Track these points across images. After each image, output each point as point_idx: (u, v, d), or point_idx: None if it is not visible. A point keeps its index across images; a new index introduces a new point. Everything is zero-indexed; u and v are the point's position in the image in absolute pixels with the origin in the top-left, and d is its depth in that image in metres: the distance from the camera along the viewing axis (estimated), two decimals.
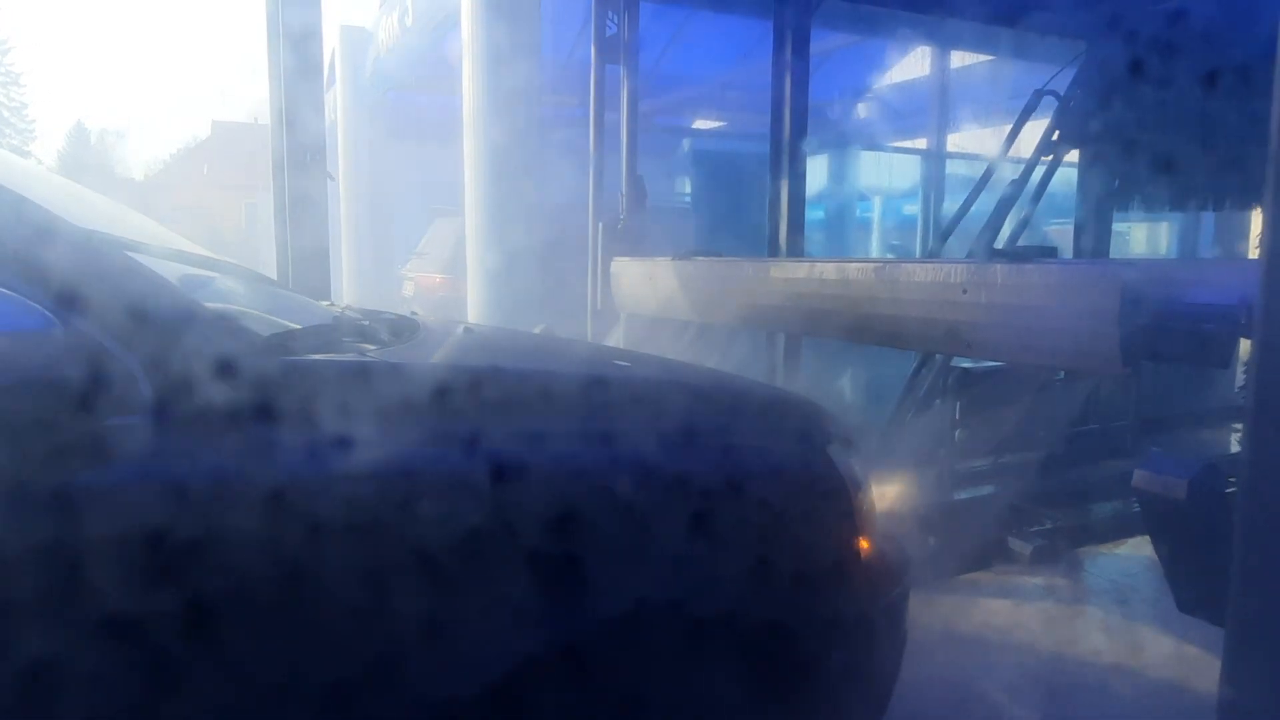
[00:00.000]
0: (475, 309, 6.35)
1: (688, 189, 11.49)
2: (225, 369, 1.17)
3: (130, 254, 1.28)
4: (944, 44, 8.57)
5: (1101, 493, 4.23)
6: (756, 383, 1.78)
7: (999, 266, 2.80)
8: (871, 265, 3.33)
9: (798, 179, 4.65)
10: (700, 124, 12.85)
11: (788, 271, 3.78)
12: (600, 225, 5.04)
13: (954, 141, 9.75)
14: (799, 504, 1.59)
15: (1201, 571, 2.16)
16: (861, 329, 3.38)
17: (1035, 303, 2.62)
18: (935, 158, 9.63)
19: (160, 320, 1.16)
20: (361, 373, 1.35)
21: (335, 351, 1.43)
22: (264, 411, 1.18)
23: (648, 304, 4.68)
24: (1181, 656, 2.65)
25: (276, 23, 3.86)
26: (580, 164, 5.35)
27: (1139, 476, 2.21)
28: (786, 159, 4.63)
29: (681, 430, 1.52)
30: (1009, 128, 5.26)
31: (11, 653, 1.03)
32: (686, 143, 12.62)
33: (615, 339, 4.87)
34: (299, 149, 3.46)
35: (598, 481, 1.37)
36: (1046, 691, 2.53)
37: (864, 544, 1.61)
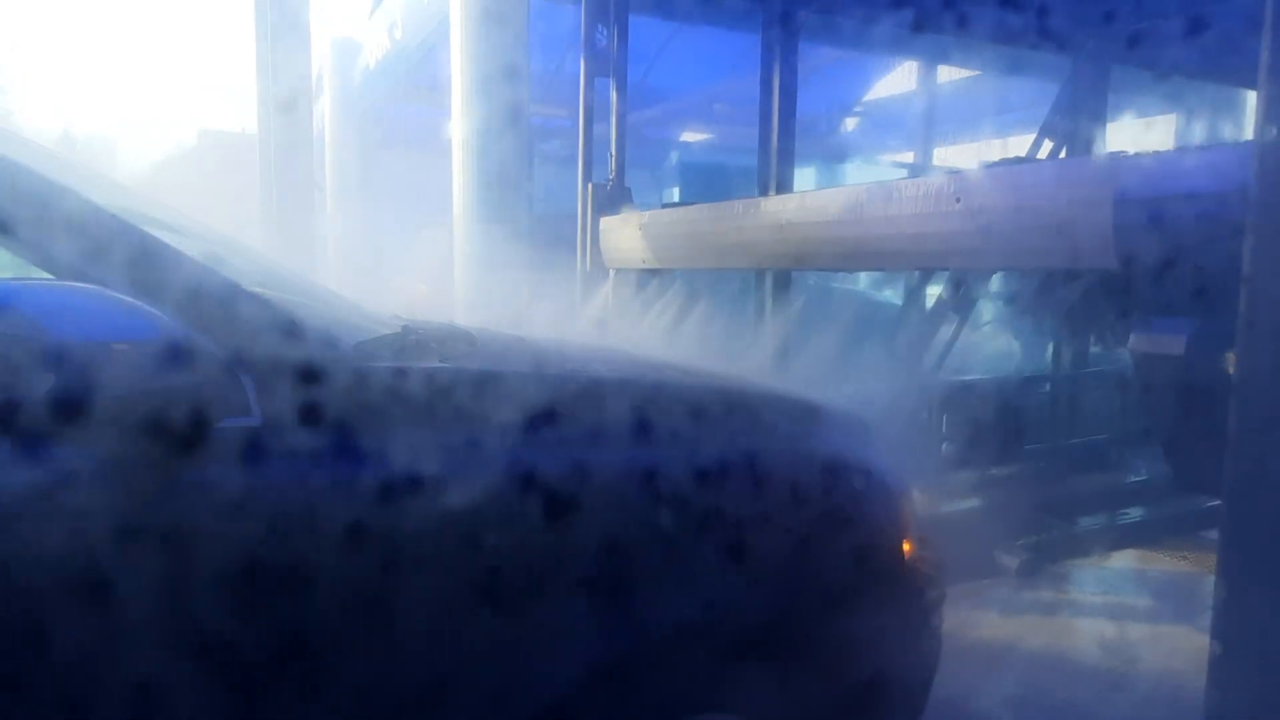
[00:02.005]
0: (462, 320, 6.33)
1: (676, 199, 11.52)
2: (320, 374, 1.24)
3: (226, 266, 1.37)
4: (929, 59, 8.64)
5: (1089, 506, 4.24)
6: (801, 393, 1.84)
7: (991, 170, 2.78)
8: (862, 189, 3.29)
9: (785, 190, 4.68)
10: (688, 136, 12.90)
11: (777, 206, 3.77)
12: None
13: (940, 155, 9.82)
14: (853, 509, 1.67)
15: (1198, 439, 2.12)
16: (855, 255, 3.35)
17: (1029, 202, 2.58)
18: (921, 171, 9.69)
19: (261, 329, 1.22)
20: (449, 378, 1.41)
21: (413, 358, 1.50)
22: (362, 415, 1.25)
23: (637, 257, 4.71)
24: (1170, 668, 2.65)
25: (266, 32, 3.86)
26: (569, 175, 5.37)
27: (1136, 340, 2.19)
28: (774, 171, 4.66)
29: (745, 437, 1.60)
30: (995, 142, 5.31)
31: (150, 640, 1.10)
32: (675, 154, 12.66)
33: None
34: (286, 159, 3.46)
35: (675, 485, 1.44)
36: (1036, 703, 2.53)
37: (907, 547, 1.69)
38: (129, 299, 1.10)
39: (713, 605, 1.45)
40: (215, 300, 1.21)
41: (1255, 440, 1.79)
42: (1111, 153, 2.50)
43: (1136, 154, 2.39)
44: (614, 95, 5.11)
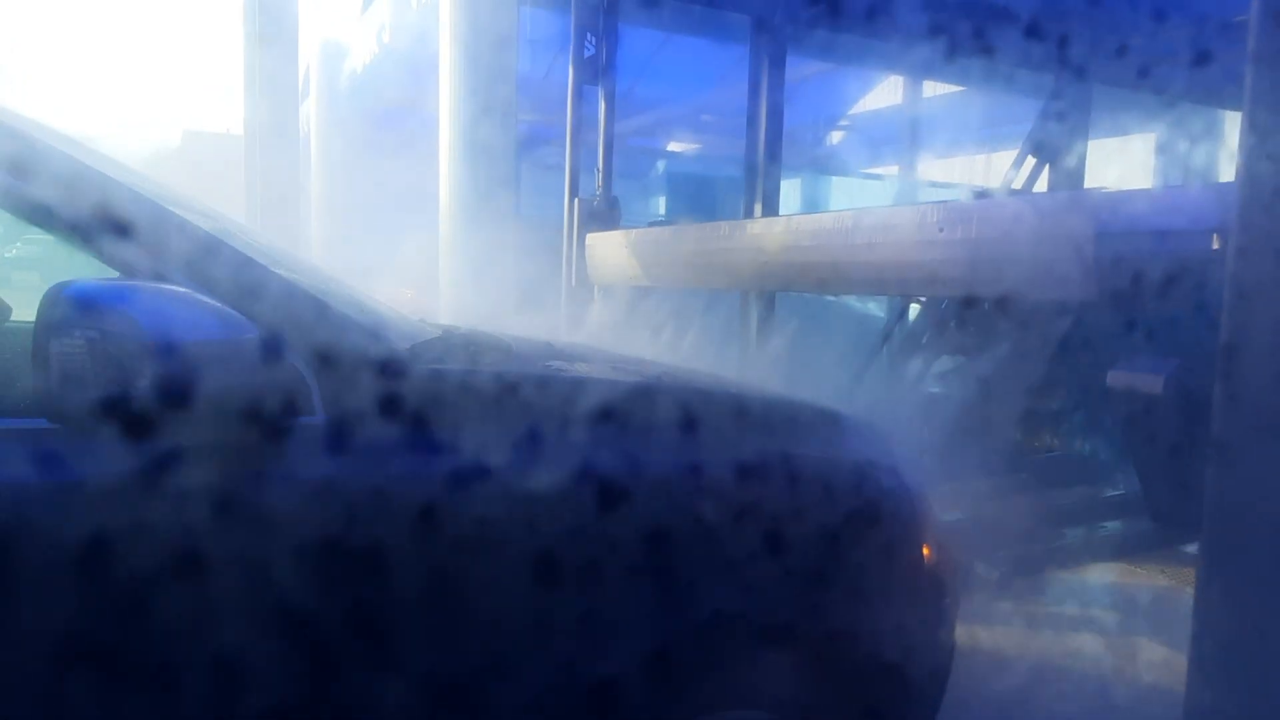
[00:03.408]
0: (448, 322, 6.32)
1: (662, 209, 11.56)
2: (385, 376, 1.29)
3: (289, 270, 1.42)
4: (914, 74, 8.71)
5: (1069, 518, 4.27)
6: (820, 402, 1.92)
7: (975, 202, 2.83)
8: (847, 215, 3.32)
9: (771, 201, 4.70)
10: (675, 146, 12.94)
11: (764, 229, 3.80)
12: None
13: (923, 169, 9.90)
14: (881, 512, 1.73)
15: (1175, 473, 2.16)
16: (839, 279, 3.39)
17: (1011, 234, 2.62)
18: (907, 184, 9.76)
19: (324, 331, 1.28)
20: (501, 381, 1.48)
21: (461, 361, 1.57)
22: (421, 414, 1.30)
23: (623, 275, 4.72)
24: (1153, 677, 2.67)
25: (254, 34, 3.85)
26: (555, 180, 5.38)
27: (1114, 376, 2.22)
28: (760, 181, 4.69)
29: (784, 443, 1.68)
30: (979, 157, 5.37)
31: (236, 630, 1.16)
32: (661, 164, 12.70)
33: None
34: (272, 161, 3.45)
35: (714, 486, 1.51)
36: (1023, 712, 2.54)
37: (926, 551, 1.75)
38: (213, 301, 1.16)
39: (754, 600, 1.52)
40: (284, 302, 1.27)
41: (1237, 452, 1.82)
42: (1094, 189, 2.55)
43: (1119, 190, 2.44)
44: (602, 105, 5.13)
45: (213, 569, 1.13)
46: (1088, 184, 5.40)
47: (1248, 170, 1.78)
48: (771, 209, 4.78)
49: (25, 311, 2.02)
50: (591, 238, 4.96)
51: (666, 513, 1.45)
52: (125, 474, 1.11)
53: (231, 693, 1.18)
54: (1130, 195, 2.43)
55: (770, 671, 1.57)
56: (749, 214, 4.77)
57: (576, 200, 5.08)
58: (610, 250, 4.79)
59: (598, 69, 5.11)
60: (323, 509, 1.20)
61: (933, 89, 9.26)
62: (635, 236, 4.63)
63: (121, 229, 1.22)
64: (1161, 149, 8.02)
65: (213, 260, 1.25)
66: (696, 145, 12.58)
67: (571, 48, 5.17)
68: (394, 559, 1.24)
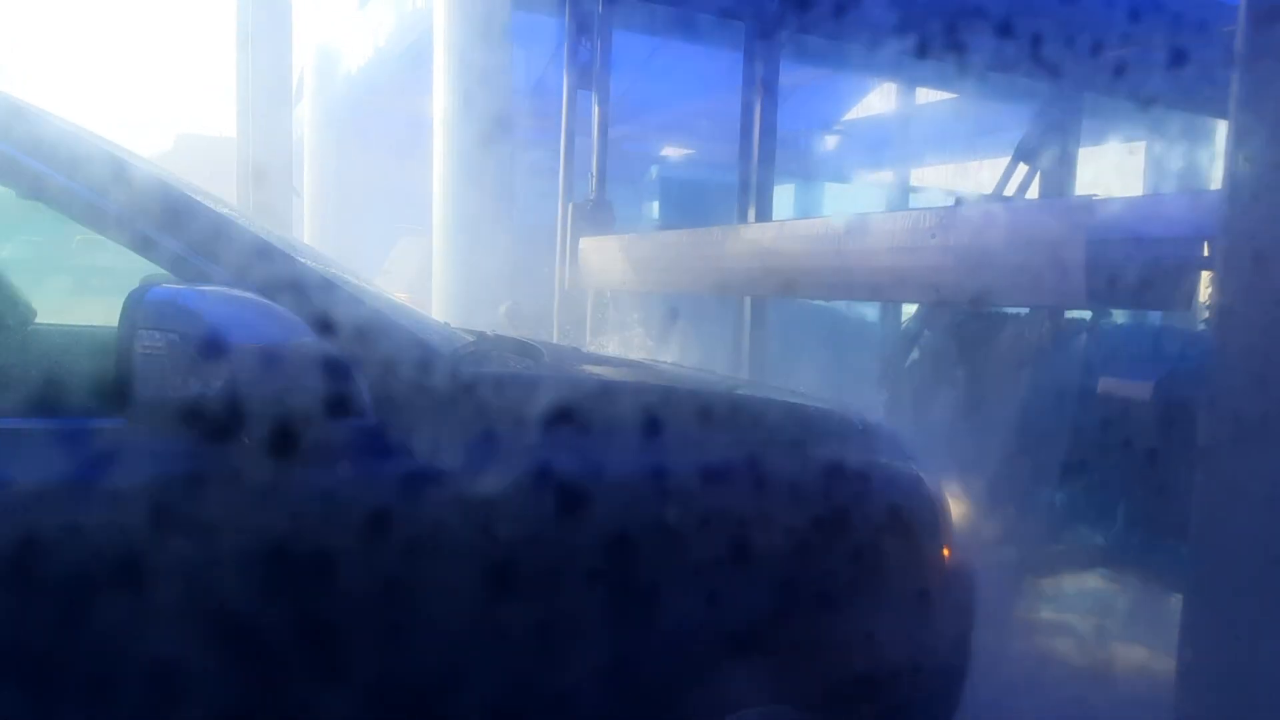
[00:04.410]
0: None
1: (655, 214, 11.57)
2: (436, 379, 1.35)
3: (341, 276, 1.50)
4: (908, 81, 8.74)
5: (1059, 523, 4.27)
6: (842, 406, 2.00)
7: (966, 208, 2.84)
8: (840, 221, 3.35)
9: (764, 207, 4.71)
10: (669, 151, 12.96)
11: (757, 234, 3.81)
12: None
13: (917, 176, 9.93)
14: (904, 517, 1.79)
15: (1163, 483, 2.17)
16: (832, 285, 3.42)
17: (1003, 240, 2.64)
18: (899, 191, 9.78)
19: (374, 335, 1.34)
20: (545, 383, 1.56)
21: (503, 365, 1.63)
22: (474, 416, 1.36)
23: (616, 280, 4.72)
24: (1134, 686, 2.68)
25: (246, 36, 3.84)
26: (549, 186, 5.38)
27: (1105, 384, 2.24)
28: (754, 189, 4.70)
29: (811, 448, 1.75)
30: (971, 164, 5.38)
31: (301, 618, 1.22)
32: (655, 169, 12.71)
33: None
34: (265, 164, 3.44)
35: (748, 487, 1.57)
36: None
37: (946, 552, 1.80)
38: (278, 306, 1.21)
39: (782, 599, 1.58)
40: (339, 308, 1.33)
41: (1223, 455, 1.83)
42: (1085, 195, 2.56)
43: (1109, 197, 2.45)
44: (595, 110, 5.13)
45: (289, 564, 1.20)
46: (1078, 191, 5.42)
47: (1230, 175, 1.80)
48: (765, 214, 4.78)
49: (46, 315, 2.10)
50: (585, 242, 4.95)
51: (714, 510, 1.50)
52: (190, 472, 1.18)
53: (294, 683, 1.24)
54: (1121, 202, 2.44)
55: (800, 667, 1.62)
56: (742, 219, 4.77)
57: (571, 204, 5.07)
58: (604, 255, 4.79)
59: (592, 73, 5.11)
60: (373, 508, 1.25)
61: (925, 96, 9.29)
62: (629, 241, 4.63)
63: (191, 235, 1.28)
64: (1153, 156, 8.06)
65: (273, 265, 1.32)
66: (690, 150, 12.61)
67: (566, 52, 5.17)
68: (446, 558, 1.28)
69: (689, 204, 9.57)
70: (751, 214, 4.70)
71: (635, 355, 4.35)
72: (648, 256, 4.47)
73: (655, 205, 11.82)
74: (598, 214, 5.06)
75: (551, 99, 5.56)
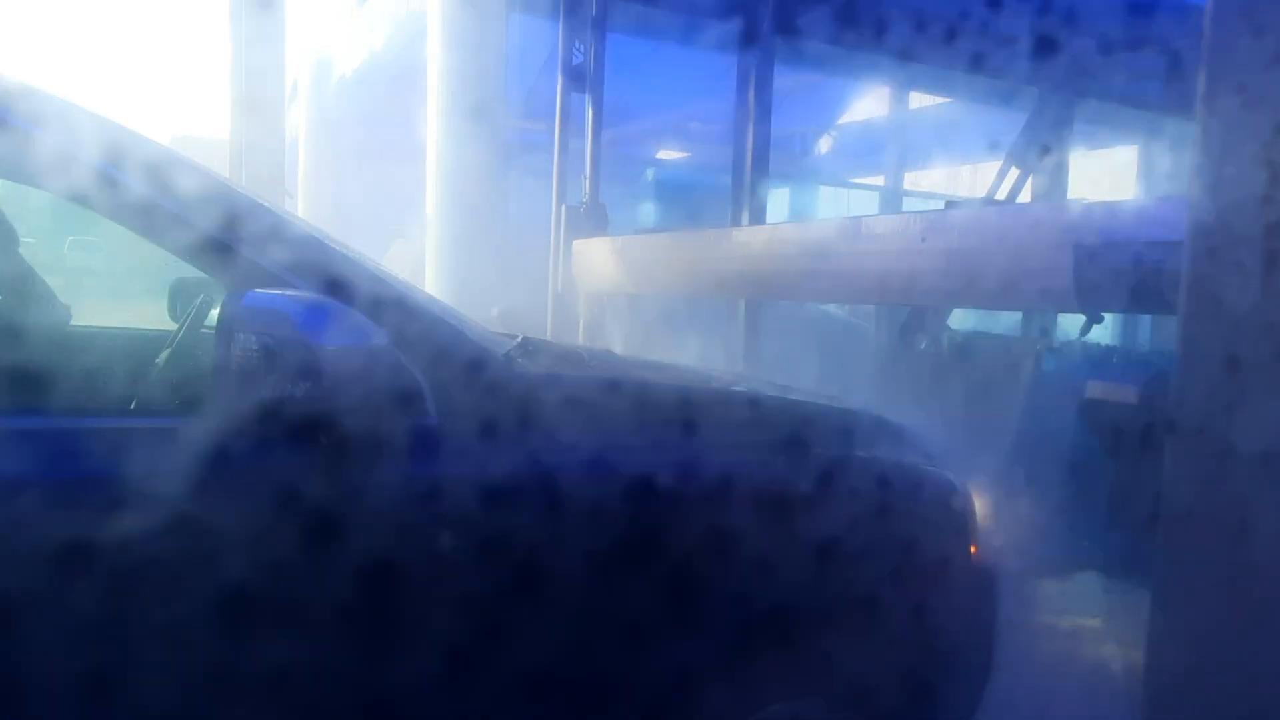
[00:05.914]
0: None
1: (651, 216, 11.57)
2: (491, 381, 1.40)
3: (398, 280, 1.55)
4: (901, 86, 8.77)
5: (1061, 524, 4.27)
6: (886, 411, 2.04)
7: (958, 212, 2.85)
8: (832, 224, 3.36)
9: (758, 210, 4.72)
10: (664, 154, 12.96)
11: (750, 237, 3.81)
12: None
13: (910, 179, 9.95)
14: (935, 514, 1.86)
15: (1145, 482, 2.18)
16: (824, 288, 3.43)
17: (993, 244, 2.65)
18: (893, 194, 9.81)
19: (432, 339, 1.38)
20: (601, 384, 1.62)
21: (551, 366, 1.68)
22: (533, 415, 1.40)
23: (610, 282, 4.72)
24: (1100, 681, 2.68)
25: (240, 38, 3.84)
26: (543, 188, 5.37)
27: (1092, 387, 2.25)
28: (748, 193, 4.71)
29: (853, 449, 1.81)
30: (964, 168, 5.40)
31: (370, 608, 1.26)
32: (649, 171, 12.72)
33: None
34: (258, 166, 3.44)
35: (781, 484, 1.62)
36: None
37: (973, 549, 1.86)
38: (355, 311, 1.26)
39: (820, 594, 1.64)
40: (405, 312, 1.39)
41: (1191, 459, 1.84)
42: (1075, 199, 2.58)
43: (1098, 201, 2.46)
44: (589, 113, 5.13)
45: (370, 560, 1.25)
46: (1070, 195, 5.44)
47: (1199, 177, 1.80)
48: (758, 217, 4.79)
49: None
50: (578, 244, 4.95)
51: (768, 506, 1.55)
52: (259, 468, 1.23)
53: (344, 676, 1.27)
54: (1111, 206, 2.45)
55: (831, 661, 1.67)
56: (736, 222, 4.77)
57: (564, 206, 5.07)
58: (597, 257, 4.79)
59: (586, 76, 5.11)
60: (438, 505, 1.30)
61: (919, 100, 9.32)
62: (622, 243, 4.63)
63: (275, 246, 1.34)
64: (1144, 161, 8.10)
65: (346, 271, 1.38)
66: (685, 153, 12.62)
67: (560, 55, 5.18)
68: (520, 553, 1.33)
69: (684, 206, 9.58)
70: (745, 217, 4.71)
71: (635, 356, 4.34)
72: (641, 259, 4.47)
73: (649, 208, 11.83)
74: (591, 216, 5.06)
75: (546, 102, 5.56)
